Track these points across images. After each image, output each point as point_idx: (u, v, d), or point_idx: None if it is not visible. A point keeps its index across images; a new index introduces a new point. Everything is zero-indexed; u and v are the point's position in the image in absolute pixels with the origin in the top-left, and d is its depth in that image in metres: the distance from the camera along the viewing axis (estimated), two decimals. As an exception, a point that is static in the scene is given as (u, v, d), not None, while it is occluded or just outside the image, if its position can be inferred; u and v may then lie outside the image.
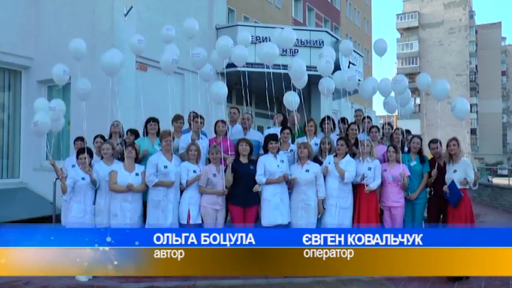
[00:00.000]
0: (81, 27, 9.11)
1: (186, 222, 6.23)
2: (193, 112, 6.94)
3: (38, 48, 10.09)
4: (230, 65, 7.26)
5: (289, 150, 6.87)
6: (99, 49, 8.81)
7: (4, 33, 9.68)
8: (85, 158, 6.09)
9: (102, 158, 6.45)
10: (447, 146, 6.29)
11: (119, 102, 7.21)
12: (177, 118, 7.23)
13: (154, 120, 6.97)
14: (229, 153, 6.68)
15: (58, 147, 7.95)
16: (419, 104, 64.39)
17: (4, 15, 9.69)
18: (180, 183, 6.30)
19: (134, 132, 7.07)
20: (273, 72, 6.93)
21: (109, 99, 6.94)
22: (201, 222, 6.31)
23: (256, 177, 6.29)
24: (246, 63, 7.06)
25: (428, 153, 6.82)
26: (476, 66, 68.44)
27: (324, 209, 6.40)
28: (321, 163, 6.55)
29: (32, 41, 10.18)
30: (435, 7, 67.25)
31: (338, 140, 6.68)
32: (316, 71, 7.28)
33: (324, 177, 6.46)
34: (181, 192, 6.36)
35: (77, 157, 6.22)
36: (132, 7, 9.31)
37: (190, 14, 11.36)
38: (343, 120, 7.72)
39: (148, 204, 6.27)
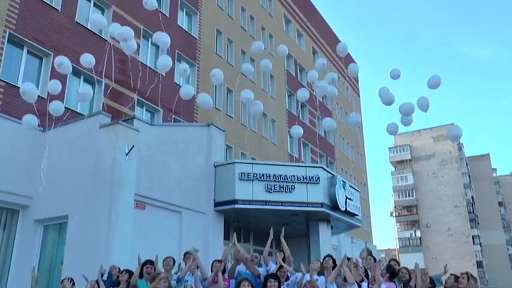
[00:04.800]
0: (83, 165, 9.33)
1: None
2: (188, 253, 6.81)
3: (38, 187, 10.18)
4: (228, 202, 7.30)
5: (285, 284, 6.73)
6: (99, 186, 8.90)
7: (9, 171, 9.85)
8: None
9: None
10: (456, 280, 6.06)
11: (115, 240, 7.06)
12: (165, 258, 7.11)
13: (150, 263, 6.82)
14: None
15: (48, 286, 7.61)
16: (420, 237, 63.40)
17: (10, 155, 9.94)
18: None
19: (129, 272, 6.86)
20: (271, 209, 6.95)
21: (105, 238, 6.81)
22: None
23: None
24: (245, 200, 7.10)
25: None
26: (472, 197, 68.86)
27: None
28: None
29: (34, 180, 10.30)
30: (425, 140, 69.74)
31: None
32: (315, 206, 7.31)
33: None
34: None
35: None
36: (133, 146, 9.61)
37: (190, 152, 11.76)
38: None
39: None
